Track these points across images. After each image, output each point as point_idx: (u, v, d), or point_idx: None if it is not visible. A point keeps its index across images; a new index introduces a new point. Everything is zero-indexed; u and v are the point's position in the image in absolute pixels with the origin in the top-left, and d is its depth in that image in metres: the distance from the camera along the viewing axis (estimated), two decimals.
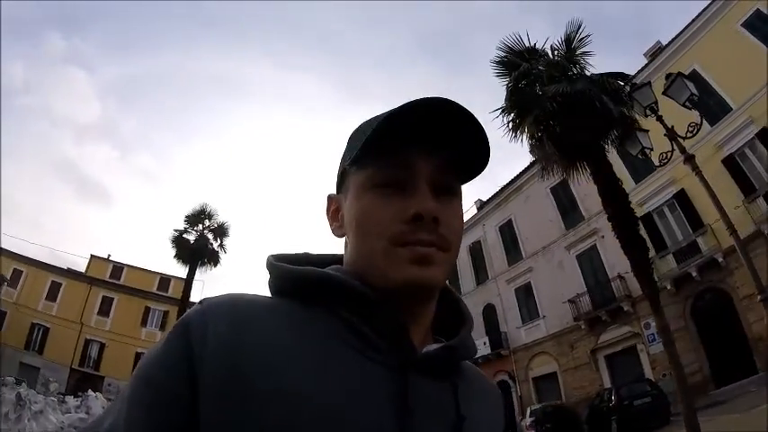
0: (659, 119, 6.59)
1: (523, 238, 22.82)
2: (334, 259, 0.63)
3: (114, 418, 0.48)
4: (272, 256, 0.61)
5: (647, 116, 7.18)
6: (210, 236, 21.82)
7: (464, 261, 26.05)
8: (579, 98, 8.72)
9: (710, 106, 15.20)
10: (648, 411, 12.44)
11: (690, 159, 6.48)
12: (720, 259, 14.49)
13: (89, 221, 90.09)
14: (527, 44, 10.48)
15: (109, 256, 36.73)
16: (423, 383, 0.52)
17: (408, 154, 0.54)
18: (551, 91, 9.09)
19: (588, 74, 9.99)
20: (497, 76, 10.56)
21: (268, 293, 0.58)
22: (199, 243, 21.17)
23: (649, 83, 7.36)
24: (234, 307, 0.51)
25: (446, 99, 0.52)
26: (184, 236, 21.21)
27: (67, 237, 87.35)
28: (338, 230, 0.62)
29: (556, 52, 10.34)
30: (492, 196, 25.67)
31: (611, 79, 9.66)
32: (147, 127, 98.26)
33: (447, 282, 0.61)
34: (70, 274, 33.66)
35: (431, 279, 0.53)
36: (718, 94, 15.81)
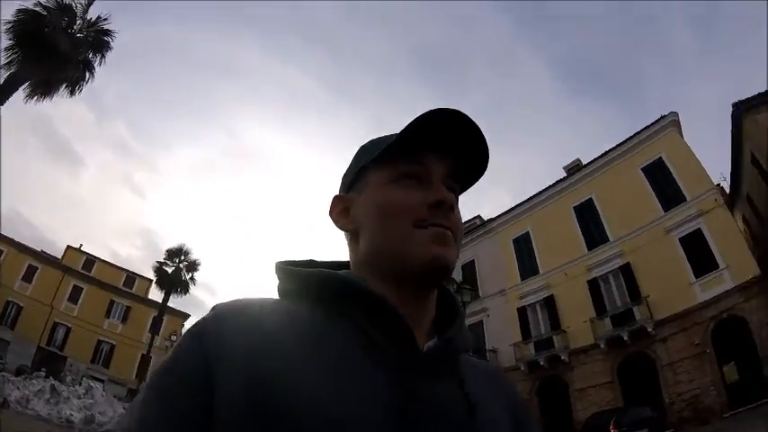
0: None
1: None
2: (340, 265, 0.65)
3: (128, 424, 0.48)
4: (280, 261, 0.63)
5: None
6: (184, 270, 26.76)
7: None
8: None
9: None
10: None
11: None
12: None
13: (56, 185, 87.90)
14: None
15: (81, 246, 38.84)
16: (430, 383, 0.52)
17: (425, 156, 0.60)
18: None
19: None
20: None
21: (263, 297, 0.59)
22: (174, 276, 26.09)
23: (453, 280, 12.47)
24: (247, 313, 0.52)
25: (459, 111, 0.57)
26: (164, 267, 26.24)
27: (33, 198, 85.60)
28: (349, 225, 0.63)
29: None
30: None
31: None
32: (127, 97, 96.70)
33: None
34: (46, 260, 35.65)
35: (450, 257, 0.56)
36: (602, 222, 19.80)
